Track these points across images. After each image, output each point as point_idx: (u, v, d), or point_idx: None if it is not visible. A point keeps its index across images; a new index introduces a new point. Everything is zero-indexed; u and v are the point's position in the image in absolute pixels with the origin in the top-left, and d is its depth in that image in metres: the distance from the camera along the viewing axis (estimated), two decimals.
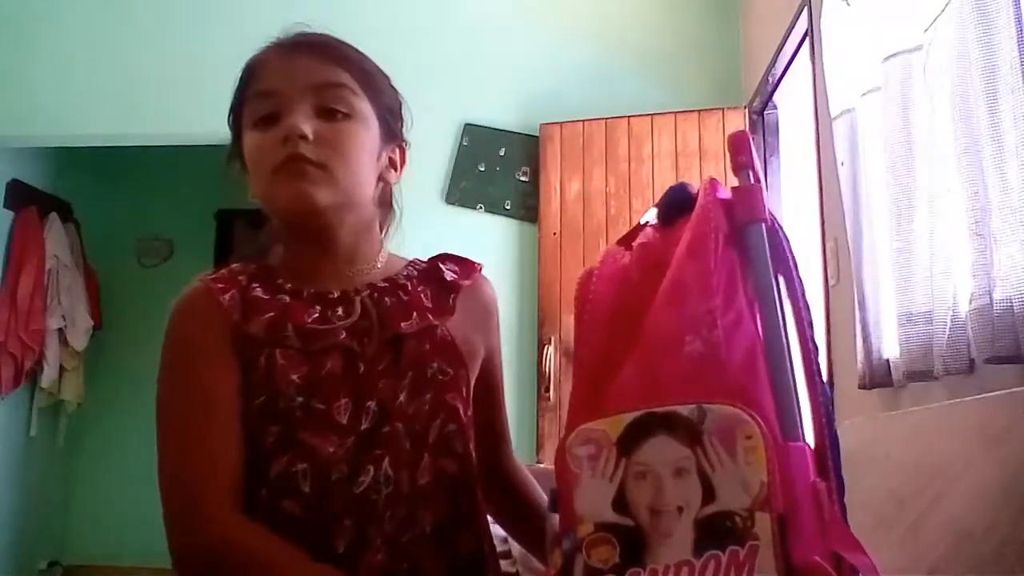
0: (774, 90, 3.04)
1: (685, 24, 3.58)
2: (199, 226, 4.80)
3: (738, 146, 0.76)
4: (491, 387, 1.04)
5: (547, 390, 3.20)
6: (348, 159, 0.92)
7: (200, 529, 0.82)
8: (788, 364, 0.71)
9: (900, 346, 1.69)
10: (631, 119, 3.34)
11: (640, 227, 0.86)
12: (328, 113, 0.92)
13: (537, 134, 3.45)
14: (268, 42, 1.01)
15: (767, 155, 3.19)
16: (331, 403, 0.87)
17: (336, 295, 0.94)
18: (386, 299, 0.95)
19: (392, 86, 1.02)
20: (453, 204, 3.52)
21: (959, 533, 1.15)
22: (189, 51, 3.66)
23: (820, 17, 2.23)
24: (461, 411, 0.94)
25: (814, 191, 2.46)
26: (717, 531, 0.64)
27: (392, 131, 1.00)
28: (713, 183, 0.79)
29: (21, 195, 4.35)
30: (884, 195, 1.77)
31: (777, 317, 0.72)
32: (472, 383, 0.98)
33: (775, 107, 3.19)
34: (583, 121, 3.38)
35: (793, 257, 0.78)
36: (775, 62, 2.88)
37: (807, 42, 2.50)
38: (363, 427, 0.88)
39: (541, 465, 2.86)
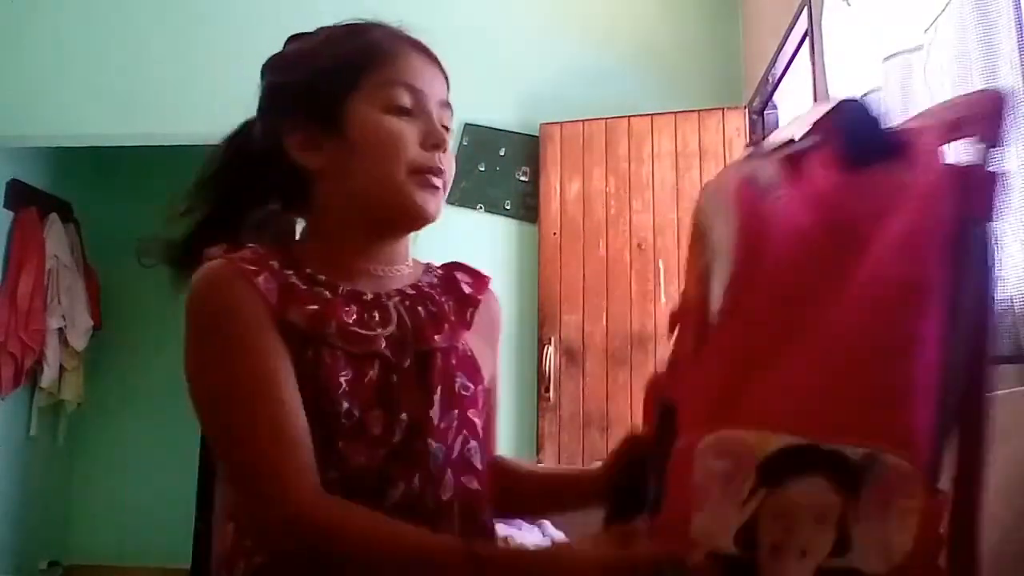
0: (774, 90, 3.04)
1: (685, 24, 3.58)
2: None
3: (993, 112, 0.59)
4: (492, 403, 1.03)
5: (547, 390, 3.20)
6: (449, 179, 0.96)
7: (297, 515, 0.77)
8: (960, 408, 0.60)
9: None
10: (631, 119, 3.35)
11: (788, 144, 0.69)
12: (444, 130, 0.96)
13: (537, 134, 3.45)
14: (369, 23, 1.03)
15: None
16: (367, 412, 0.85)
17: (369, 297, 0.92)
18: (418, 309, 0.93)
19: None
20: (453, 204, 3.52)
21: None
22: (189, 51, 3.66)
23: (820, 17, 2.24)
24: (479, 426, 0.94)
25: None
26: None
27: None
28: (933, 140, 0.61)
29: (21, 195, 4.35)
30: None
31: (973, 355, 0.60)
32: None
33: (775, 107, 3.19)
34: (583, 121, 3.38)
35: (994, 275, 0.62)
36: (775, 62, 2.88)
37: (807, 42, 2.50)
38: (395, 440, 0.85)
39: (541, 465, 2.86)
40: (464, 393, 0.92)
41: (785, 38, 2.71)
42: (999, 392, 1.21)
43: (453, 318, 0.95)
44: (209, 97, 3.60)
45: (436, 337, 0.92)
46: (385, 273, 0.95)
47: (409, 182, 0.91)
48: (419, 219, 0.93)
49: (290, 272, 0.88)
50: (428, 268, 1.03)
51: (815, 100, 2.42)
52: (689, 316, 0.69)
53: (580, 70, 3.53)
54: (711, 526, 0.58)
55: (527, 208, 3.49)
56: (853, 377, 0.57)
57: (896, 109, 1.70)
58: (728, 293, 0.62)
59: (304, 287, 0.88)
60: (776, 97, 3.10)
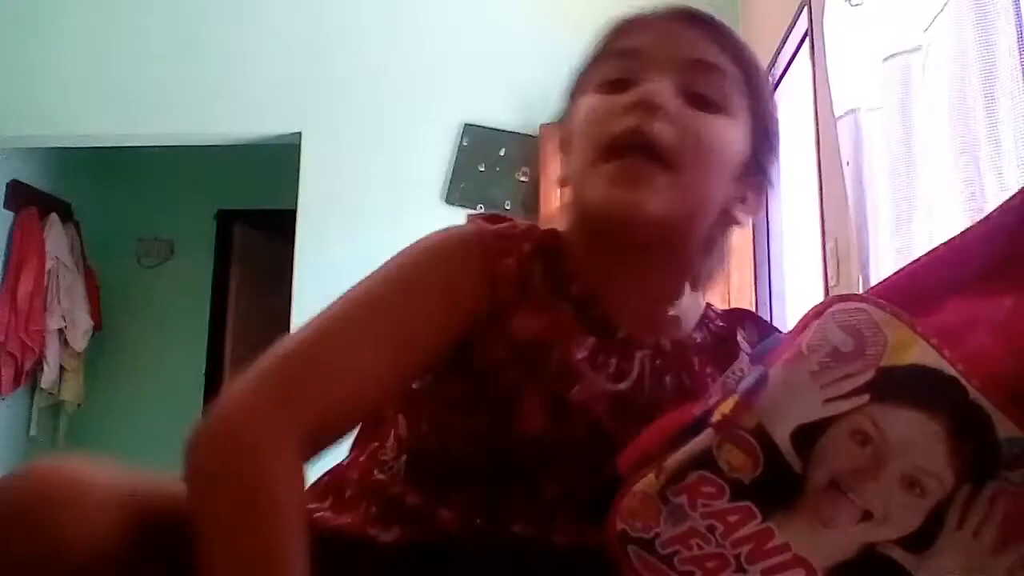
0: (774, 90, 3.04)
1: None
2: (199, 226, 4.80)
3: None
4: None
5: None
6: (704, 158, 0.70)
7: (243, 442, 0.60)
8: None
9: None
10: None
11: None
12: (696, 99, 0.71)
13: (537, 134, 3.45)
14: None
15: None
16: (545, 476, 0.67)
17: (622, 336, 0.72)
18: (667, 377, 0.72)
19: (770, 96, 0.80)
20: (453, 204, 3.52)
21: None
22: (189, 51, 3.66)
23: (820, 17, 2.24)
24: None
25: (814, 191, 2.46)
26: (880, 572, 0.44)
27: (760, 159, 0.77)
28: None
29: (21, 195, 4.35)
30: (885, 195, 1.77)
31: None
32: None
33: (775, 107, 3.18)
34: None
35: None
36: (775, 62, 2.88)
37: (807, 42, 2.50)
38: (567, 520, 0.66)
39: None
40: None
41: (785, 38, 2.71)
42: None
43: (712, 397, 0.69)
44: (209, 97, 3.60)
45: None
46: (650, 312, 0.74)
47: (598, 170, 0.70)
48: (621, 216, 0.69)
49: (539, 264, 0.73)
50: (706, 316, 0.79)
51: (815, 100, 2.42)
52: None
53: None
54: (783, 399, 0.46)
55: (527, 208, 3.49)
56: None
57: (895, 109, 1.70)
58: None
59: (547, 289, 0.72)
60: (776, 97, 3.10)
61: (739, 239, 3.36)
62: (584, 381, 0.68)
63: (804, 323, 0.48)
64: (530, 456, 0.67)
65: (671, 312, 0.75)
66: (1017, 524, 0.42)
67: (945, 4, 1.52)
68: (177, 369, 4.50)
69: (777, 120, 0.79)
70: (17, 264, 4.22)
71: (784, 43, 2.74)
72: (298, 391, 0.62)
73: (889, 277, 0.52)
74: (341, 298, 0.68)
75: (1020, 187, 0.51)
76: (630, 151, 0.69)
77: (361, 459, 0.77)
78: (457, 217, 3.54)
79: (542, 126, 3.44)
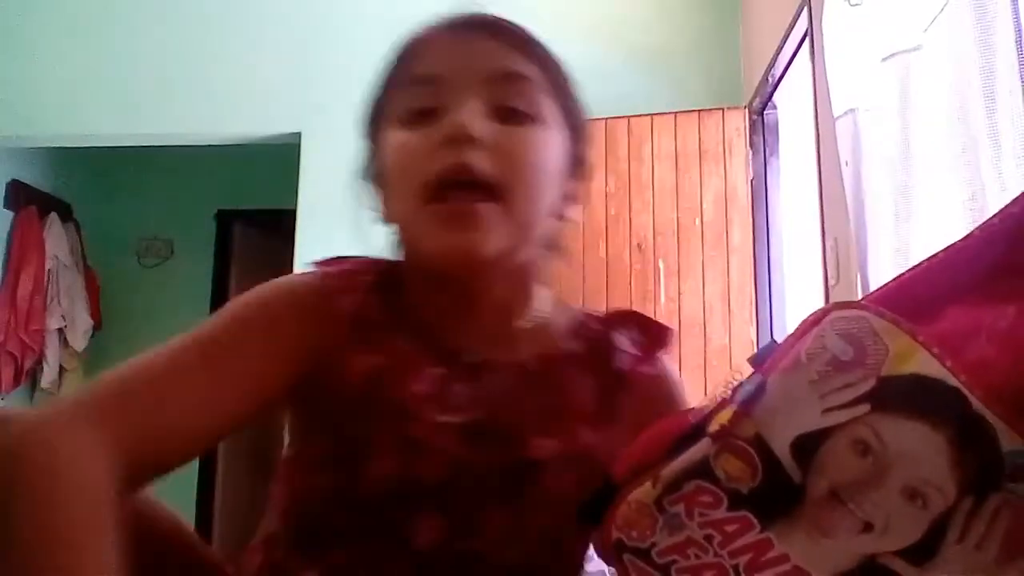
0: (774, 90, 3.04)
1: (685, 24, 3.58)
2: (199, 226, 4.80)
3: None
4: None
5: None
6: (529, 177, 0.67)
7: (50, 438, 0.54)
8: None
9: None
10: (631, 119, 3.34)
11: None
12: (506, 114, 0.68)
13: None
14: (431, 21, 0.76)
15: (767, 155, 3.20)
16: (411, 520, 0.64)
17: (468, 360, 0.69)
18: (524, 395, 0.68)
19: (575, 90, 0.78)
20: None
21: None
22: (189, 51, 3.66)
23: (820, 17, 2.24)
24: (580, 557, 0.69)
25: (814, 191, 2.46)
26: None
27: (578, 153, 0.76)
28: None
29: (21, 195, 4.35)
30: (884, 195, 1.77)
31: None
32: None
33: (775, 107, 3.19)
34: None
35: None
36: (775, 62, 2.88)
37: (807, 42, 2.50)
38: (443, 566, 0.64)
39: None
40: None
41: (785, 38, 2.71)
42: None
43: (591, 408, 0.70)
44: (209, 97, 3.60)
45: (536, 442, 0.66)
46: (501, 331, 0.71)
47: (424, 214, 0.66)
48: (458, 262, 0.66)
49: (376, 299, 0.70)
50: (582, 324, 0.76)
51: (815, 100, 2.42)
52: None
53: (580, 70, 3.50)
54: (782, 408, 0.45)
55: None
56: None
57: (895, 109, 1.70)
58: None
59: (384, 324, 0.69)
60: (776, 97, 3.10)
61: (739, 239, 3.37)
62: (425, 416, 0.65)
63: (802, 330, 0.47)
64: (389, 504, 0.64)
65: (525, 326, 0.72)
66: (1021, 537, 0.42)
67: (945, 4, 1.52)
68: None
69: (583, 108, 0.77)
70: (17, 264, 4.22)
71: (784, 43, 2.73)
72: (115, 415, 0.59)
73: (887, 283, 0.49)
74: (178, 336, 0.66)
75: (1021, 192, 0.51)
76: (453, 189, 0.65)
77: (257, 539, 0.75)
78: None
79: None
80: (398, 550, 0.65)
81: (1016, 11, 1.30)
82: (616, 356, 0.73)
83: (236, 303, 0.69)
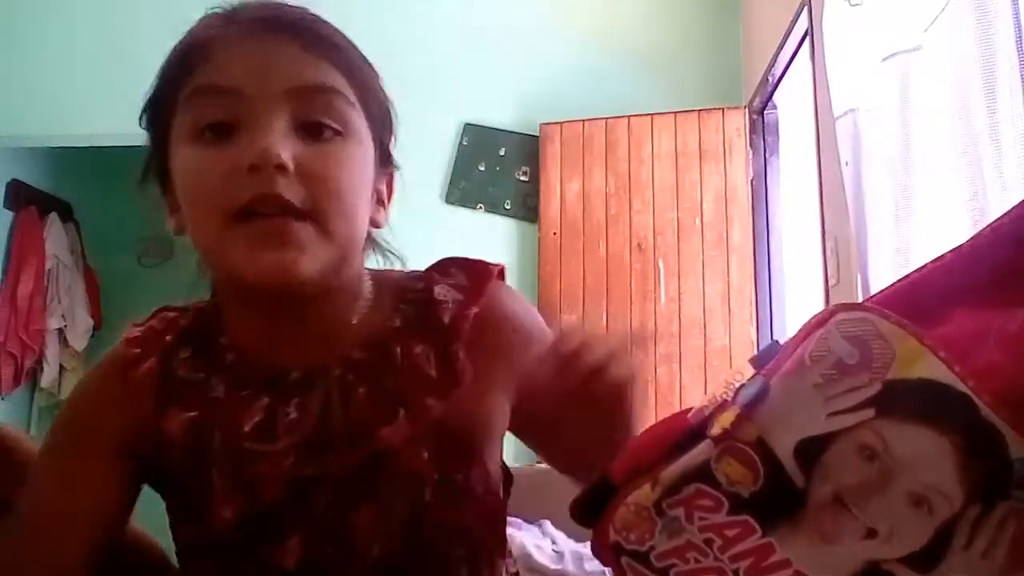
0: (774, 90, 3.04)
1: (685, 24, 3.58)
2: None
3: None
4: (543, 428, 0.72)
5: None
6: (343, 199, 0.64)
7: None
8: None
9: None
10: (631, 119, 3.34)
11: None
12: (311, 129, 0.64)
13: (537, 134, 3.45)
14: (215, 8, 0.71)
15: (767, 155, 3.20)
16: (275, 545, 0.64)
17: (296, 376, 0.67)
18: (360, 388, 0.66)
19: (380, 84, 0.72)
20: (453, 204, 3.52)
21: None
22: None
23: (820, 17, 2.23)
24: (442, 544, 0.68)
25: (814, 191, 2.46)
26: None
27: (386, 153, 0.73)
28: None
29: (21, 195, 4.34)
30: (884, 195, 1.77)
31: None
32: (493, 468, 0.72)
33: (775, 107, 3.19)
34: (583, 121, 3.38)
35: None
36: (775, 62, 2.88)
37: (807, 42, 2.50)
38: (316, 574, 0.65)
39: (540, 465, 2.86)
40: (436, 498, 0.65)
41: (785, 38, 2.71)
42: None
43: (433, 373, 0.67)
44: None
45: (383, 431, 0.65)
46: (326, 337, 0.69)
47: (234, 239, 0.61)
48: (275, 283, 0.62)
49: (187, 351, 0.69)
50: (403, 290, 0.72)
51: (815, 100, 2.42)
52: None
53: (580, 70, 3.53)
54: (785, 412, 0.44)
55: (527, 208, 3.49)
56: None
57: (895, 109, 1.70)
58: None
59: (194, 378, 0.68)
60: (776, 97, 3.10)
61: (739, 239, 3.37)
62: (258, 455, 0.64)
63: (806, 332, 0.46)
64: (251, 538, 0.65)
65: (353, 321, 0.69)
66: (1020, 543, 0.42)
67: (946, 4, 1.52)
68: None
69: (386, 99, 0.72)
70: (17, 264, 4.22)
71: (784, 43, 2.73)
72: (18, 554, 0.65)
73: (892, 285, 0.48)
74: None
75: None
76: (255, 214, 0.61)
77: None
78: (457, 216, 3.55)
79: (542, 126, 3.44)
80: (273, 574, 0.65)
81: (1016, 11, 1.30)
82: (440, 312, 0.69)
83: (61, 414, 0.72)
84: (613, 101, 3.41)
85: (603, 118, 3.37)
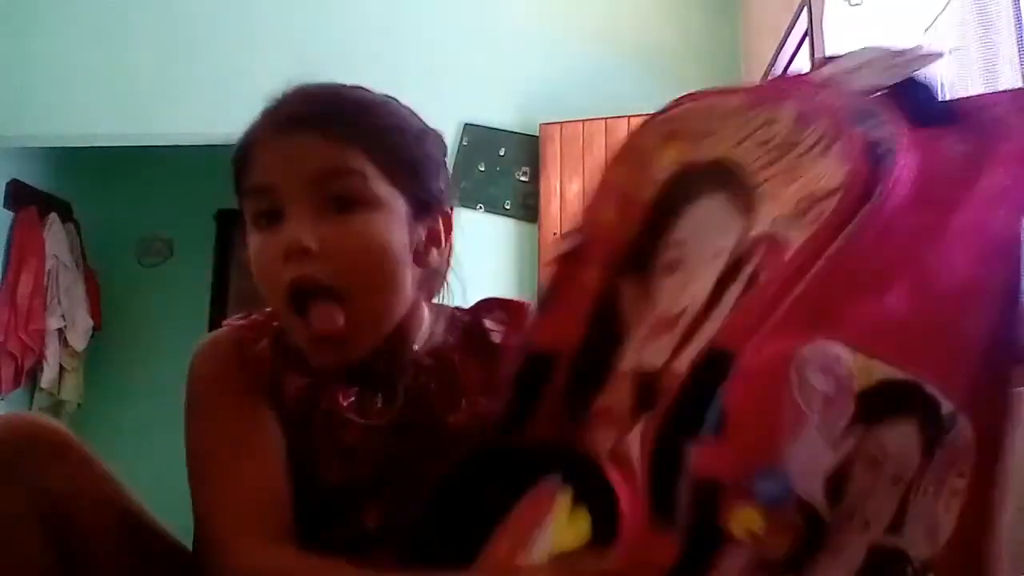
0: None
1: (685, 24, 3.58)
2: (199, 226, 4.80)
3: None
4: None
5: None
6: (371, 267, 0.75)
7: (236, 566, 0.70)
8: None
9: None
10: (631, 119, 3.34)
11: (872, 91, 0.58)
12: (336, 203, 0.75)
13: (537, 134, 3.45)
14: (264, 103, 0.83)
15: None
16: (360, 510, 0.77)
17: (379, 373, 0.80)
18: (432, 384, 0.80)
19: (421, 133, 0.83)
20: (453, 204, 3.52)
21: None
22: (189, 51, 3.66)
23: (820, 17, 2.24)
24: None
25: None
26: (884, 572, 0.47)
27: (427, 202, 0.82)
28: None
29: (21, 195, 4.35)
30: None
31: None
32: None
33: None
34: (583, 121, 3.38)
35: None
36: (775, 62, 2.88)
37: (807, 42, 2.50)
38: (391, 541, 0.75)
39: None
40: None
41: (785, 38, 2.71)
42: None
43: (478, 383, 0.80)
44: (209, 97, 3.60)
45: (451, 417, 0.79)
46: (396, 352, 0.81)
47: (292, 322, 0.75)
48: (324, 365, 0.77)
49: (291, 342, 0.80)
50: (453, 320, 0.86)
51: None
52: (599, 244, 0.66)
53: (580, 70, 3.53)
54: (807, 465, 0.45)
55: (527, 208, 3.49)
56: (949, 324, 0.49)
57: None
58: (834, 217, 0.51)
59: (301, 353, 0.79)
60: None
61: None
62: (359, 429, 0.77)
63: (770, 378, 0.47)
64: (330, 508, 0.76)
65: (416, 340, 0.82)
66: (946, 464, 0.47)
67: (945, 4, 1.52)
68: (177, 369, 4.48)
69: (428, 145, 0.83)
70: (17, 264, 4.22)
71: (784, 43, 2.73)
72: (259, 528, 0.72)
73: (784, 302, 0.51)
74: (191, 462, 0.79)
75: (845, 182, 0.52)
76: (308, 298, 0.74)
77: None
78: (457, 216, 3.54)
79: (542, 126, 3.44)
80: (353, 532, 0.76)
81: (1017, 11, 1.30)
82: (489, 335, 0.84)
83: (194, 396, 0.82)
84: (613, 101, 3.41)
85: (603, 118, 3.37)
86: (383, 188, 0.76)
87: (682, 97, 0.67)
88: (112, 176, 4.83)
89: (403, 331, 0.81)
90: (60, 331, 4.40)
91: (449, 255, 0.86)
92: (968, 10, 1.37)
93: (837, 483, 0.45)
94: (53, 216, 4.47)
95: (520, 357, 0.68)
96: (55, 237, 4.43)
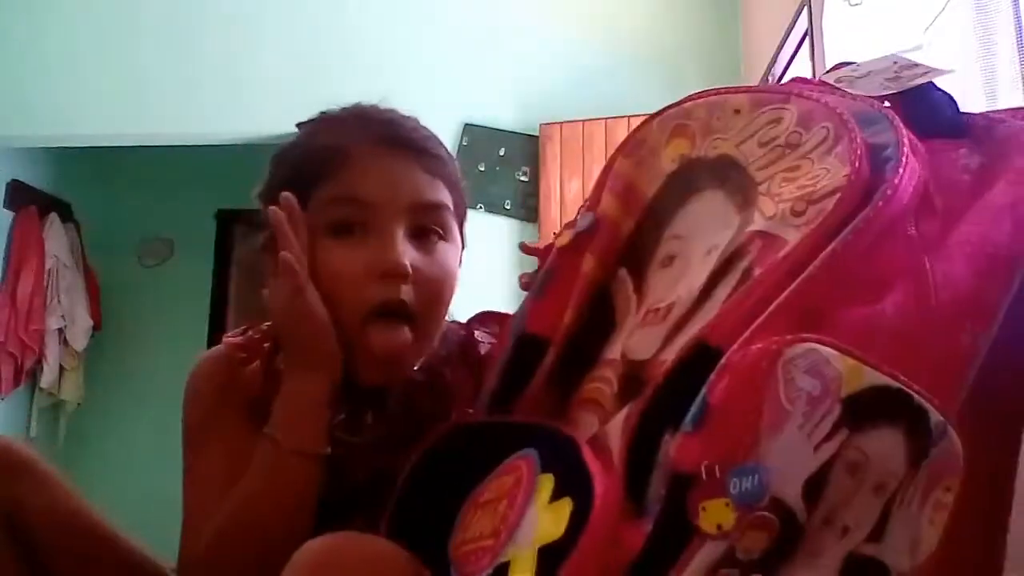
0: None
1: (685, 24, 3.58)
2: (199, 226, 4.80)
3: None
4: None
5: None
6: (443, 304, 0.81)
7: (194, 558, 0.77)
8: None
9: None
10: (631, 119, 3.34)
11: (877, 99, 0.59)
12: (422, 233, 0.80)
13: (537, 134, 3.45)
14: (350, 114, 0.84)
15: None
16: (346, 520, 0.76)
17: (371, 390, 0.82)
18: (423, 400, 0.83)
19: (457, 170, 0.88)
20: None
21: None
22: (189, 51, 3.66)
23: (820, 17, 2.24)
24: None
25: None
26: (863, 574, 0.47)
27: (464, 236, 0.88)
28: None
29: (21, 195, 4.35)
30: None
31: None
32: None
33: None
34: (583, 121, 3.38)
35: None
36: (775, 62, 2.88)
37: (807, 42, 2.50)
38: None
39: None
40: None
41: (785, 38, 2.71)
42: None
43: (468, 394, 0.82)
44: (209, 98, 3.60)
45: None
46: (397, 371, 0.83)
47: (359, 335, 0.78)
48: (381, 380, 0.80)
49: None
50: (446, 335, 0.88)
51: None
52: (600, 234, 0.68)
53: (580, 70, 3.53)
54: (785, 464, 0.45)
55: (527, 208, 3.49)
56: (944, 335, 0.49)
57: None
58: (832, 218, 0.51)
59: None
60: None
61: None
62: (348, 445, 0.79)
63: (755, 375, 0.47)
64: (326, 514, 0.77)
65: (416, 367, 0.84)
66: (933, 477, 0.47)
67: (946, 4, 1.52)
68: (177, 369, 4.47)
69: (461, 179, 0.88)
70: (17, 264, 4.22)
71: (784, 43, 2.73)
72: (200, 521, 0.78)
73: (772, 305, 0.50)
74: (184, 477, 0.84)
75: (837, 188, 0.53)
76: (385, 316, 0.77)
77: None
78: None
79: (542, 126, 3.44)
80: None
81: (1017, 11, 1.30)
82: (480, 347, 0.86)
83: (188, 414, 0.86)
84: (613, 101, 3.41)
85: (603, 118, 3.37)
86: (455, 223, 0.84)
87: (689, 95, 0.68)
88: (112, 176, 4.83)
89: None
90: (60, 331, 4.40)
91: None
92: (968, 10, 1.37)
93: (816, 485, 0.45)
94: (53, 216, 4.47)
95: (512, 339, 0.69)
96: (55, 237, 4.43)
